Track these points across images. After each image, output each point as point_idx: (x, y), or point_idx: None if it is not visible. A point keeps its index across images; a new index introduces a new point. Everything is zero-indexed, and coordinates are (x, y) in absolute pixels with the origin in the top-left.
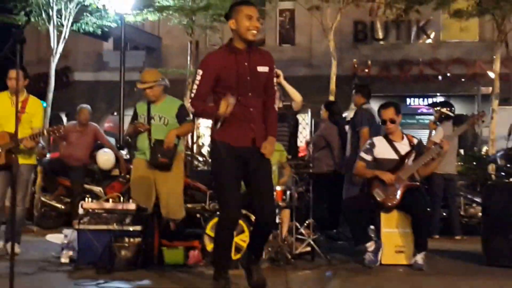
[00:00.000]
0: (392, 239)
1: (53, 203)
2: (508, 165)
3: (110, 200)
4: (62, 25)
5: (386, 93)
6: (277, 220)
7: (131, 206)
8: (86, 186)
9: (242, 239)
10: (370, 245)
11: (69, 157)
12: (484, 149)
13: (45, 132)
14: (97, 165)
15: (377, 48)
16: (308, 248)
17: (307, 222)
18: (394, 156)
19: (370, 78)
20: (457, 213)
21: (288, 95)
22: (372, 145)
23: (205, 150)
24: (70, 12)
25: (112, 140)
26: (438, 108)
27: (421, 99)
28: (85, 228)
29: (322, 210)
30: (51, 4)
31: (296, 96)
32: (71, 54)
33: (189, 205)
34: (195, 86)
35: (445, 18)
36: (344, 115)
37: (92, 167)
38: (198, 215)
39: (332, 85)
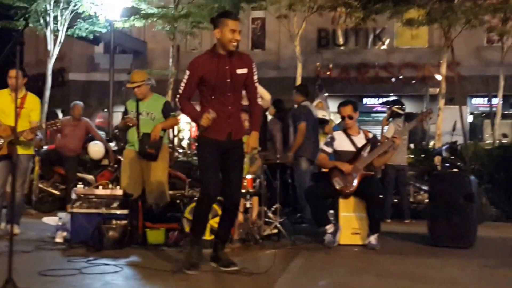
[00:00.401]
0: (349, 222)
1: (50, 189)
2: (452, 157)
3: (100, 186)
4: (58, 30)
5: (345, 93)
6: (248, 205)
7: (119, 192)
8: (79, 174)
9: (216, 222)
10: (330, 228)
11: (64, 148)
12: (431, 143)
13: (43, 125)
14: (89, 156)
15: (338, 52)
16: (275, 230)
17: (274, 207)
18: (351, 148)
19: (331, 80)
20: (407, 200)
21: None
22: (332, 138)
23: (184, 143)
24: (65, 18)
25: (102, 134)
26: (390, 106)
27: (376, 98)
28: (78, 212)
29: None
30: (48, 11)
31: (265, 94)
32: (66, 57)
33: (170, 192)
34: (182, 85)
35: (398, 27)
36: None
37: (85, 157)
38: (178, 201)
39: None
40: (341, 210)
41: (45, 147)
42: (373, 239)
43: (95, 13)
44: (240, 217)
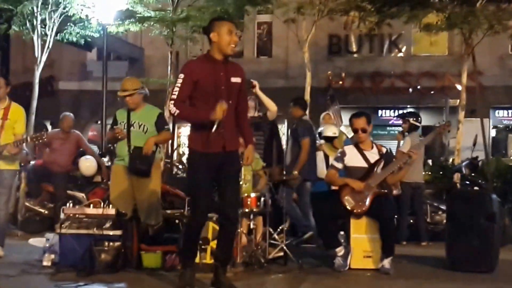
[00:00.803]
0: (361, 245)
1: (37, 208)
2: (473, 174)
3: (92, 205)
4: (46, 35)
5: (358, 104)
6: (252, 226)
7: (111, 211)
8: (69, 192)
9: None
10: (340, 250)
11: (52, 164)
12: (451, 159)
13: (28, 138)
14: (80, 172)
15: (350, 60)
16: (281, 253)
17: (280, 228)
18: (364, 164)
19: (343, 90)
20: (424, 220)
21: (263, 105)
22: (343, 153)
23: (185, 158)
24: (54, 22)
25: (95, 148)
26: (407, 119)
27: (392, 110)
28: (67, 232)
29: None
30: (35, 14)
31: (271, 105)
32: (56, 64)
33: (168, 211)
34: (176, 89)
35: (415, 32)
36: (319, 129)
37: (75, 174)
38: (176, 221)
39: (307, 96)
40: (352, 232)
41: (32, 162)
42: (386, 262)
43: (86, 16)
44: (244, 238)
